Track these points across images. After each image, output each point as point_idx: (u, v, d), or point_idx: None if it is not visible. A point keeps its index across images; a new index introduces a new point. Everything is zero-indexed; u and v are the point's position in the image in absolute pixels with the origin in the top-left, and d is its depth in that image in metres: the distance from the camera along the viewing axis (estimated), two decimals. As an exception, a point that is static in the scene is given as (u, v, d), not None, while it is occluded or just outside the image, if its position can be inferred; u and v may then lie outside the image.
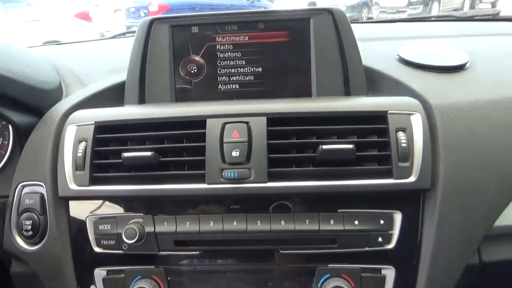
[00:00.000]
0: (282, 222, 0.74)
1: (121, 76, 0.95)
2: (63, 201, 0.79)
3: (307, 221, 0.74)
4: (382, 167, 0.73)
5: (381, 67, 0.90)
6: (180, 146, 0.77)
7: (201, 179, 0.74)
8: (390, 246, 0.74)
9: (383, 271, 0.74)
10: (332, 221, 0.73)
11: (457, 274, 0.74)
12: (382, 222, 0.73)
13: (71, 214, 0.79)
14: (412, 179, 0.72)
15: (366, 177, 0.73)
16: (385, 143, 0.74)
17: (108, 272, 0.79)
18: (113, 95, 0.93)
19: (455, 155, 0.73)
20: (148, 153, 0.74)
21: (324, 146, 0.72)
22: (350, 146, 0.71)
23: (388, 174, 0.73)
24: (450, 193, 0.72)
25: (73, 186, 0.77)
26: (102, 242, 0.78)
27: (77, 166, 0.77)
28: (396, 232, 0.74)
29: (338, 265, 0.74)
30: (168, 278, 0.77)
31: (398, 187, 0.72)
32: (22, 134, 0.87)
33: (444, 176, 0.72)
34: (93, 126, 0.79)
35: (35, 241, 0.80)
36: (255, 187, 0.73)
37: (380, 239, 0.73)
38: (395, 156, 0.72)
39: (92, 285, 0.79)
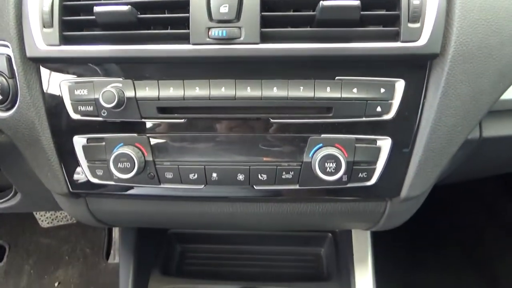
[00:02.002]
0: (274, 88, 0.68)
1: None
2: (33, 64, 0.72)
3: (302, 88, 0.67)
4: (388, 28, 0.65)
5: None
6: (161, 1, 0.67)
7: (185, 39, 0.66)
8: (389, 116, 0.69)
9: (378, 142, 0.71)
10: (328, 89, 0.67)
11: (456, 147, 0.71)
12: (382, 90, 0.68)
13: (44, 78, 0.72)
14: (421, 42, 0.64)
15: (370, 39, 0.65)
16: (394, 2, 0.64)
17: (88, 140, 0.74)
18: None
19: (471, 17, 0.65)
20: (124, 8, 0.64)
21: (325, 3, 0.62)
22: (355, 2, 0.62)
23: (394, 37, 0.65)
24: (460, 60, 0.65)
25: (41, 45, 0.68)
26: (79, 108, 0.72)
27: (45, 23, 0.68)
28: (396, 101, 0.68)
29: (332, 135, 0.70)
30: (152, 145, 0.73)
31: (404, 51, 0.65)
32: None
33: (456, 40, 0.65)
34: None
35: (6, 106, 0.74)
36: (245, 49, 0.65)
37: (378, 108, 0.68)
38: (405, 16, 0.64)
39: (73, 154, 0.75)
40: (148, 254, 1.08)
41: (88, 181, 0.76)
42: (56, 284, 2.04)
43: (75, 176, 0.76)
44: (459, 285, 1.80)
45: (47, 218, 2.16)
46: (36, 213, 2.12)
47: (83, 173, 0.76)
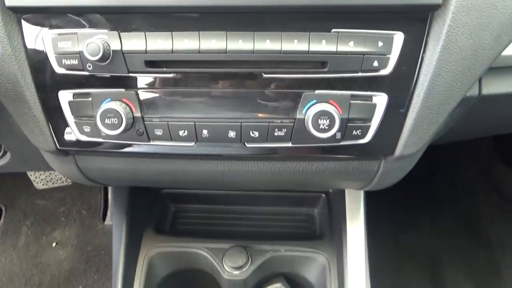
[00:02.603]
0: (267, 41, 0.64)
1: None
2: (13, 14, 0.68)
3: (296, 41, 0.64)
4: None
5: None
6: None
7: None
8: (386, 71, 0.66)
9: (374, 99, 0.69)
10: (323, 42, 0.64)
11: (453, 105, 0.69)
12: (380, 44, 0.65)
13: (25, 30, 0.69)
14: None
15: None
16: None
17: (75, 95, 0.72)
18: None
19: None
20: None
21: None
22: None
23: None
24: (463, 11, 0.62)
25: None
26: (63, 62, 0.69)
27: None
28: (394, 56, 0.65)
29: (326, 91, 0.68)
30: (140, 101, 0.70)
31: (404, 2, 0.61)
32: None
33: None
34: None
35: None
36: None
37: (375, 63, 0.66)
38: None
39: (59, 110, 0.73)
40: (141, 213, 1.08)
41: (76, 138, 0.74)
42: (53, 245, 2.07)
43: (63, 133, 0.74)
44: (451, 247, 1.83)
45: (41, 180, 2.16)
46: (31, 175, 2.12)
47: (70, 130, 0.73)
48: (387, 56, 0.65)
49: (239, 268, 0.99)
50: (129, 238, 1.00)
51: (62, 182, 2.19)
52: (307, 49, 0.64)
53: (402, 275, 1.74)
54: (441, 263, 1.80)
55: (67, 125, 0.73)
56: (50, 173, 2.11)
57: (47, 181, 2.17)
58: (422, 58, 0.66)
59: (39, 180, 2.17)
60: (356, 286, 0.92)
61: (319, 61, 0.66)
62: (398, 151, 0.71)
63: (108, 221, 2.10)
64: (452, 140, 1.04)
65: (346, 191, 1.01)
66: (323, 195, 1.13)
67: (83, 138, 0.74)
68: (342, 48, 0.64)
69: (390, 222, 1.88)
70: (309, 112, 0.67)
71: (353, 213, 0.99)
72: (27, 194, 2.28)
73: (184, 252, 1.04)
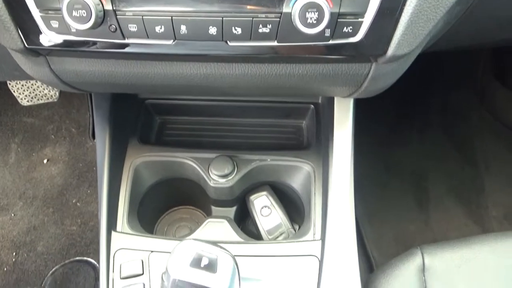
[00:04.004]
0: None
1: None
2: None
3: None
4: None
5: None
6: None
7: None
8: None
9: None
10: None
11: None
12: None
13: None
14: None
15: None
16: None
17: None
18: None
19: None
20: None
21: None
22: None
23: None
24: None
25: None
26: None
27: None
28: None
29: None
30: None
31: None
32: None
33: None
34: None
35: None
36: None
37: None
38: None
39: (22, 1, 0.66)
40: (125, 123, 1.06)
41: (44, 34, 0.68)
42: (45, 161, 2.08)
43: (29, 29, 0.68)
44: (439, 164, 1.86)
45: (26, 96, 2.10)
46: (14, 91, 2.05)
47: (37, 24, 0.67)
48: None
49: (225, 176, 0.99)
50: (112, 147, 0.99)
51: (48, 98, 2.14)
52: None
53: (387, 189, 1.79)
54: (426, 179, 1.84)
55: (33, 19, 0.67)
56: (34, 89, 2.04)
57: (32, 97, 2.12)
58: None
59: (23, 96, 2.12)
60: (339, 193, 0.93)
61: None
62: (391, 51, 0.67)
63: (98, 139, 2.09)
64: (448, 47, 0.99)
65: (336, 101, 0.98)
66: (312, 106, 1.11)
67: (52, 35, 0.68)
68: None
69: (379, 142, 1.89)
70: (296, 4, 0.61)
71: (341, 123, 0.96)
72: (13, 111, 2.24)
73: (170, 162, 1.03)
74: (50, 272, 1.68)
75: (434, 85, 2.04)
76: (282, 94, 1.00)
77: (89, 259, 1.74)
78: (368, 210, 1.65)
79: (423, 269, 0.98)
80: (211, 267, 0.54)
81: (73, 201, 1.92)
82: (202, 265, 0.54)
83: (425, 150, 1.92)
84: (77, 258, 1.72)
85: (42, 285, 1.67)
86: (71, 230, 1.82)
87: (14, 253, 1.77)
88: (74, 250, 1.74)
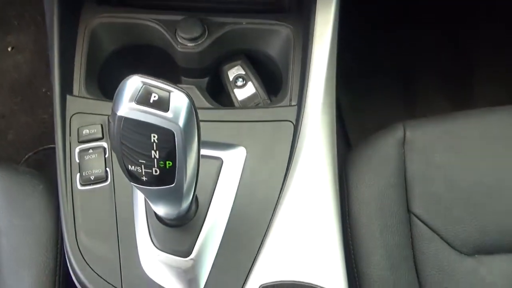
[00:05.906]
0: None
1: None
2: None
3: None
4: None
5: None
6: None
7: None
8: None
9: None
10: None
11: None
12: None
13: None
14: None
15: None
16: None
17: None
18: None
19: None
20: None
21: None
22: None
23: None
24: None
25: None
26: None
27: None
28: None
29: None
30: None
31: None
32: None
33: None
34: None
35: None
36: None
37: None
38: None
39: None
40: None
41: None
42: (9, 49, 1.92)
43: None
44: (430, 62, 1.76)
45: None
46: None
47: None
48: None
49: (193, 39, 0.88)
50: (62, 5, 0.86)
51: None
52: None
53: (373, 80, 1.71)
54: (414, 75, 1.76)
55: None
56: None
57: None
58: None
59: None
60: (320, 58, 0.84)
61: None
62: None
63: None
64: None
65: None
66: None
67: None
68: None
69: (370, 36, 1.76)
70: None
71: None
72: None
73: (132, 24, 0.91)
74: (23, 159, 1.63)
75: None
76: None
77: (62, 146, 1.69)
78: (352, 98, 1.59)
79: (403, 142, 0.94)
80: (162, 104, 0.46)
81: (43, 90, 1.81)
82: (151, 101, 0.46)
83: (416, 47, 1.80)
84: (51, 145, 1.66)
85: (16, 172, 1.64)
86: (42, 118, 1.74)
87: (-17, 141, 1.71)
88: (46, 139, 1.68)
